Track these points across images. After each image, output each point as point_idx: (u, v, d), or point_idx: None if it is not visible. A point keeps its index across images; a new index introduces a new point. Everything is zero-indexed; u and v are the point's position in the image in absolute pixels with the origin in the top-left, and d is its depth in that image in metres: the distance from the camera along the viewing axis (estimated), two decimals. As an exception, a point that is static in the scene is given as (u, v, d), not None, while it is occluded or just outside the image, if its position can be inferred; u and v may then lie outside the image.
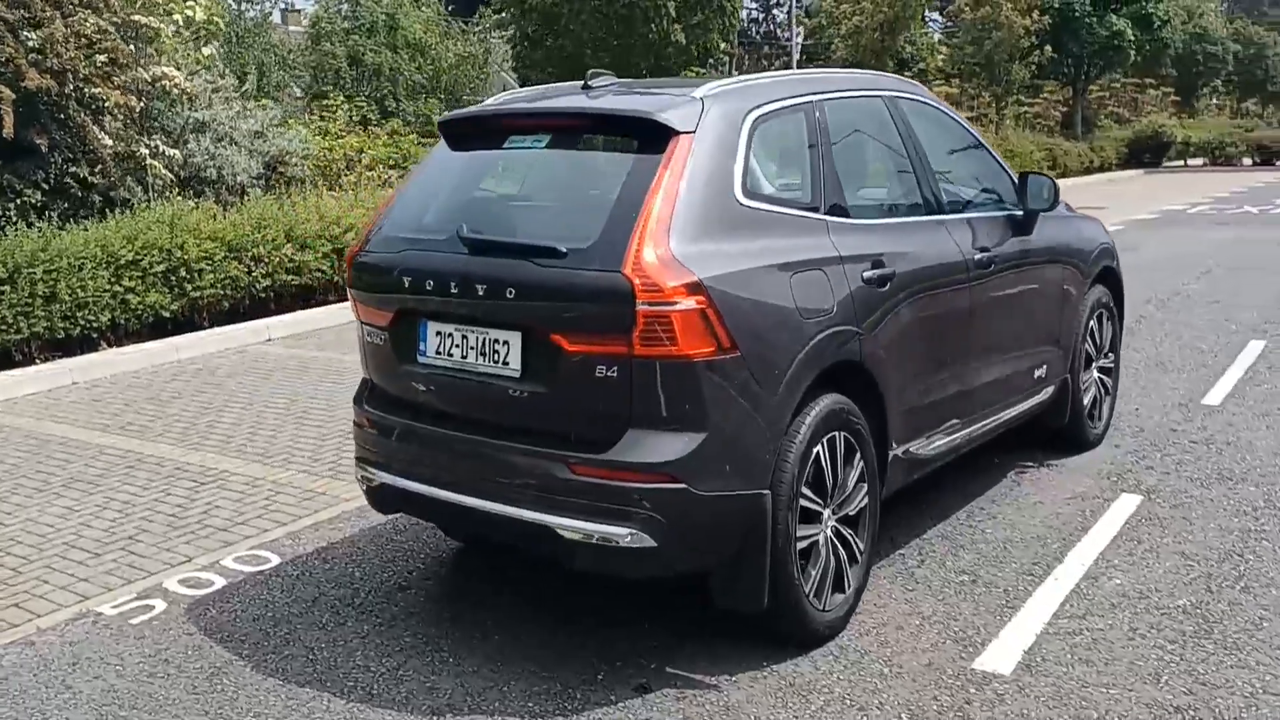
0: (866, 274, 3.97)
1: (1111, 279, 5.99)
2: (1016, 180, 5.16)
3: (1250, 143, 40.19)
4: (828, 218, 3.96)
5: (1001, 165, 5.26)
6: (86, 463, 6.31)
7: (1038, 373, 5.25)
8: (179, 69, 11.03)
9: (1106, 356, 6.02)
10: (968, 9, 30.01)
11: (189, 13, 11.37)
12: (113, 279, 9.04)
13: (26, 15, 9.68)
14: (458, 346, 3.75)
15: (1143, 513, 5.00)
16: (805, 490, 3.71)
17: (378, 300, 4.01)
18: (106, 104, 10.11)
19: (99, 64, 10.06)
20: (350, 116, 16.72)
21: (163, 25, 10.87)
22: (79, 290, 8.77)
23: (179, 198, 10.79)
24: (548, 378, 3.52)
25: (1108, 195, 22.86)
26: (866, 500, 4.00)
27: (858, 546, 3.99)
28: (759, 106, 3.87)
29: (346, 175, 13.28)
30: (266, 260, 10.27)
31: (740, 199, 3.65)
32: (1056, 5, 31.86)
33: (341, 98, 17.71)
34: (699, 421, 3.41)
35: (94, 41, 9.94)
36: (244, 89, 13.91)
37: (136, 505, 5.55)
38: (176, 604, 4.40)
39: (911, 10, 27.49)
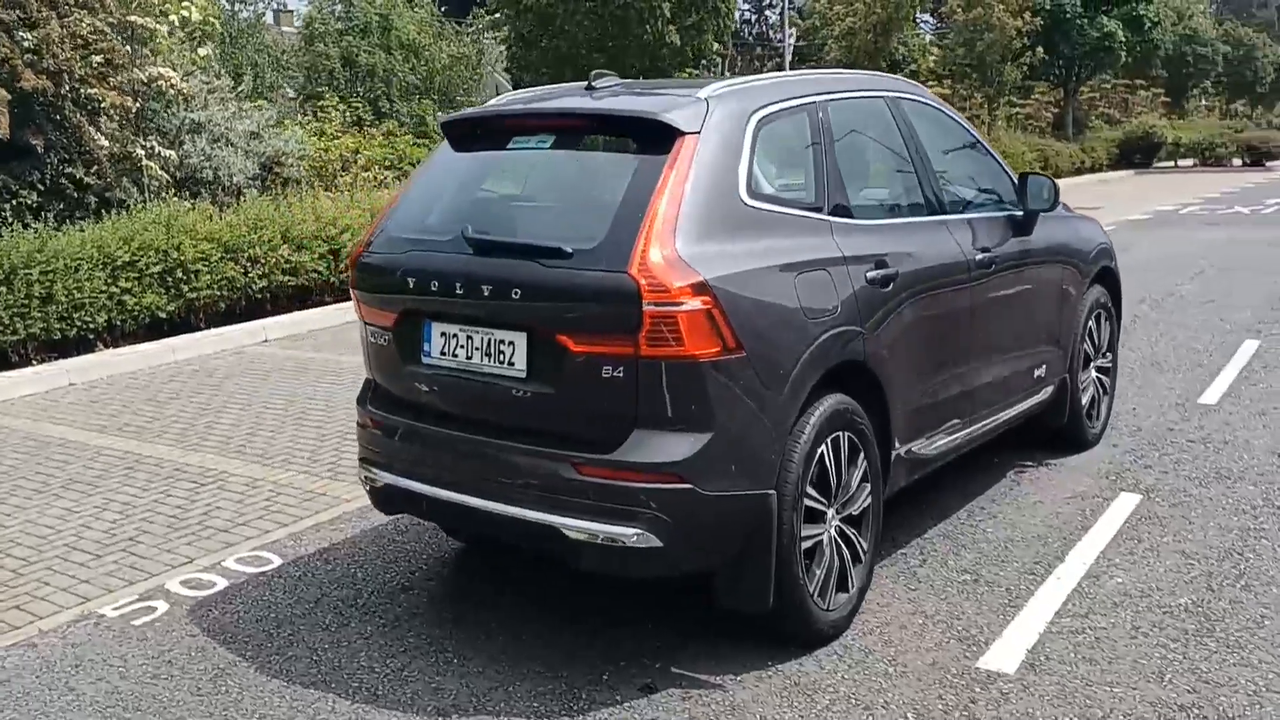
0: (870, 274, 3.98)
1: (1110, 279, 6.01)
2: (1016, 180, 5.18)
3: (1240, 143, 40.34)
4: (831, 218, 3.97)
5: (1001, 165, 5.28)
6: (85, 464, 6.30)
7: (1037, 372, 5.27)
8: (175, 70, 11.00)
9: (1105, 356, 6.05)
10: (960, 10, 30.08)
11: (185, 13, 11.35)
12: (109, 280, 9.03)
13: (22, 15, 9.66)
14: (462, 347, 3.75)
15: (1142, 512, 5.02)
16: (810, 490, 3.72)
17: (381, 301, 4.01)
18: (102, 105, 10.10)
19: (95, 64, 10.05)
20: (345, 117, 16.69)
21: (159, 26, 10.84)
22: (75, 291, 8.76)
23: (175, 199, 10.78)
24: (553, 378, 3.53)
25: (1099, 196, 22.92)
26: (870, 500, 4.01)
27: (861, 546, 4.00)
28: (763, 107, 3.88)
29: (342, 176, 13.28)
30: (263, 261, 10.27)
31: (745, 199, 3.66)
32: (1048, 7, 31.96)
33: (336, 99, 17.67)
34: (705, 422, 3.42)
35: (90, 42, 9.93)
36: (239, 89, 13.87)
37: (136, 506, 5.54)
38: (179, 605, 4.40)
39: (904, 11, 27.53)
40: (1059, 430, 5.74)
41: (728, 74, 30.17)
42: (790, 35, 32.76)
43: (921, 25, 37.74)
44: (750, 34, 46.87)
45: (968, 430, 4.72)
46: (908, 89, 4.96)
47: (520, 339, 3.59)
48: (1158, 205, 21.70)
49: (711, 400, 3.40)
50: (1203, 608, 4.06)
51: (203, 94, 11.74)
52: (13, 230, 8.96)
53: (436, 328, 3.82)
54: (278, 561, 4.79)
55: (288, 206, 11.10)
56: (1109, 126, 40.20)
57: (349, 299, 10.86)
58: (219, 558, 4.85)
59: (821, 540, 3.81)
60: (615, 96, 4.04)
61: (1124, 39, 33.86)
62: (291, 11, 38.64)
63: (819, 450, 3.72)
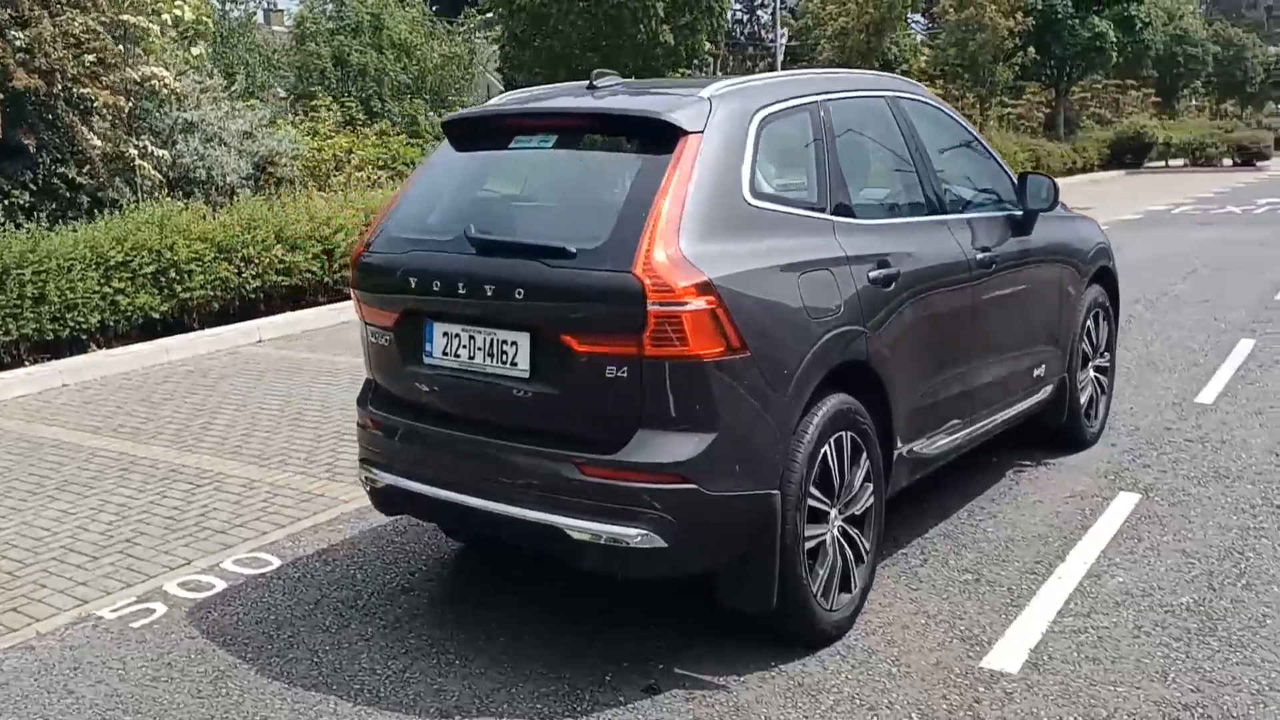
0: (872, 274, 3.98)
1: (1108, 279, 6.02)
2: (1016, 180, 5.18)
3: (1230, 143, 40.50)
4: (834, 218, 3.97)
5: (1001, 165, 5.28)
6: (80, 465, 6.27)
7: (1037, 372, 5.28)
8: (168, 69, 10.96)
9: (1103, 356, 6.05)
10: (952, 10, 30.14)
11: (177, 12, 11.30)
12: (102, 280, 8.98)
13: (14, 15, 9.62)
14: (465, 347, 3.73)
15: (1141, 511, 5.02)
16: (813, 490, 3.71)
17: (382, 301, 3.99)
18: (95, 104, 10.06)
19: (87, 64, 10.01)
20: (338, 117, 16.65)
21: (151, 25, 10.80)
22: (68, 292, 8.71)
23: (168, 198, 10.73)
24: (557, 378, 3.51)
25: (1091, 196, 22.96)
26: (872, 500, 4.01)
27: (864, 546, 3.99)
28: (766, 106, 3.87)
29: (336, 176, 13.24)
30: (256, 261, 10.23)
31: (748, 199, 3.65)
32: (1039, 7, 32.04)
33: (329, 98, 17.63)
34: (709, 422, 3.41)
35: (82, 41, 9.89)
36: (232, 89, 13.83)
37: (132, 508, 5.51)
38: (177, 607, 4.37)
39: (897, 11, 27.57)
40: (1057, 430, 5.75)
41: (719, 74, 30.18)
42: (782, 35, 32.79)
43: (912, 26, 37.81)
44: (742, 34, 46.91)
45: (969, 430, 4.72)
46: (908, 88, 4.96)
47: (523, 339, 3.58)
48: (1149, 205, 21.77)
49: (716, 400, 3.39)
50: (1204, 607, 4.06)
51: (195, 93, 11.70)
52: (5, 230, 8.90)
53: (438, 328, 3.80)
54: (276, 563, 4.77)
55: (281, 206, 11.06)
56: (1100, 126, 40.32)
57: (343, 299, 10.96)
58: (217, 559, 4.83)
59: (824, 540, 3.81)
60: (617, 96, 4.03)
61: (1115, 39, 33.98)
62: (282, 11, 38.58)
63: (822, 450, 3.72)
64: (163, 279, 9.47)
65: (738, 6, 46.05)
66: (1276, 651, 3.72)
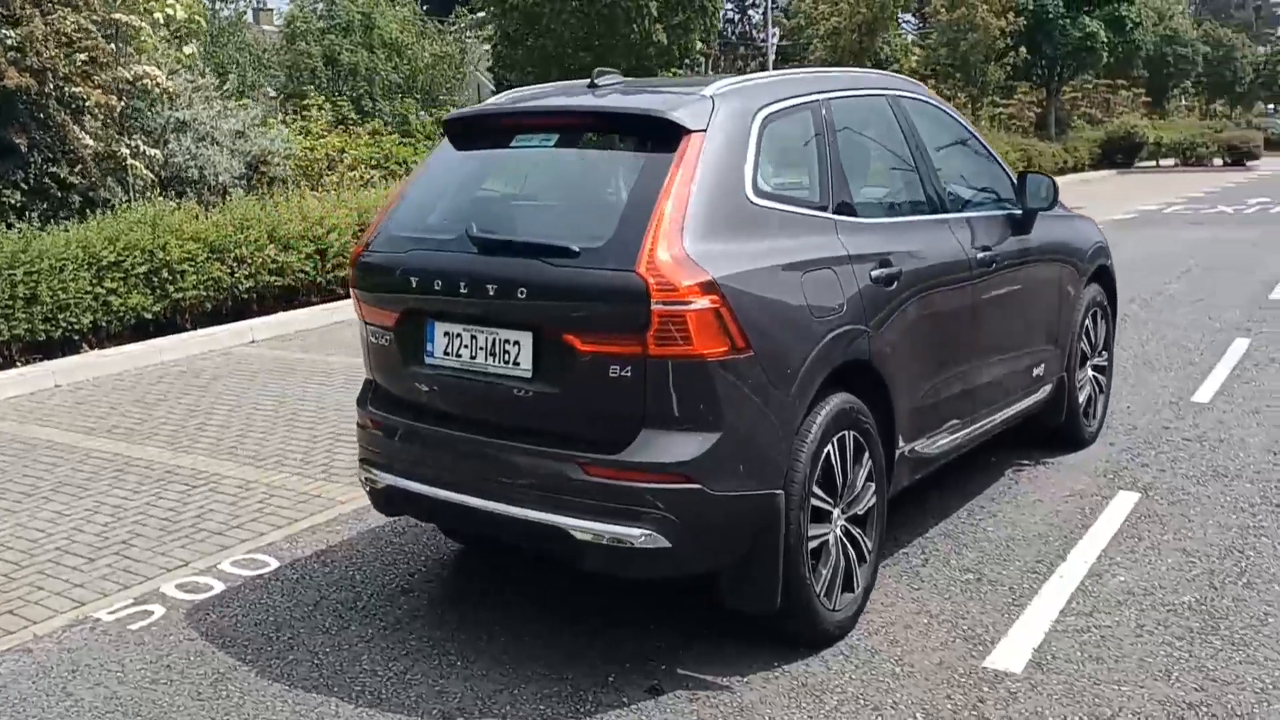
0: (874, 273, 3.97)
1: (1106, 278, 6.03)
2: (1015, 179, 5.18)
3: (1221, 143, 40.64)
4: (836, 216, 3.96)
5: (1000, 164, 5.28)
6: (74, 466, 6.23)
7: (1036, 371, 5.28)
8: (160, 68, 10.91)
9: (1101, 355, 6.06)
10: (944, 10, 30.18)
11: (169, 11, 11.25)
12: (94, 280, 8.94)
13: (5, 13, 9.56)
14: (466, 347, 3.71)
15: (1141, 510, 5.02)
16: (816, 490, 3.70)
17: (383, 300, 3.97)
18: (87, 103, 10.01)
19: (79, 63, 9.95)
20: (329, 116, 16.60)
21: (143, 24, 10.74)
22: (60, 292, 8.67)
23: (160, 198, 10.68)
24: (560, 378, 3.49)
25: (1083, 196, 23.00)
26: (875, 499, 4.00)
27: (866, 545, 3.98)
28: (768, 105, 3.86)
29: (328, 175, 13.20)
30: (249, 261, 10.19)
31: (751, 198, 3.64)
32: (1031, 7, 32.11)
33: (322, 98, 17.58)
34: (713, 421, 3.39)
35: (74, 40, 9.84)
36: (224, 88, 13.77)
37: (128, 509, 5.47)
38: (175, 609, 4.34)
39: (889, 11, 27.60)
40: (1056, 429, 5.75)
41: (711, 74, 30.14)
42: (773, 34, 32.80)
43: (903, 26, 37.87)
44: (733, 33, 46.92)
45: (969, 429, 4.71)
46: (908, 87, 4.96)
47: (526, 338, 3.56)
48: (1141, 205, 21.83)
49: (720, 400, 3.38)
50: (1206, 605, 4.06)
51: (187, 92, 11.64)
52: (-4, 230, 8.86)
53: (440, 327, 3.78)
54: (274, 564, 4.74)
55: (274, 206, 11.02)
56: (1091, 126, 40.42)
57: (336, 299, 10.92)
58: (214, 561, 4.80)
59: (827, 540, 3.80)
60: (618, 94, 4.01)
61: (1106, 39, 34.06)
62: (271, 10, 38.48)
63: (825, 450, 3.71)
64: (155, 279, 9.42)
65: (729, 6, 46.05)
66: (1279, 650, 3.71)
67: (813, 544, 3.71)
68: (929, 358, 4.33)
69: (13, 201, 9.70)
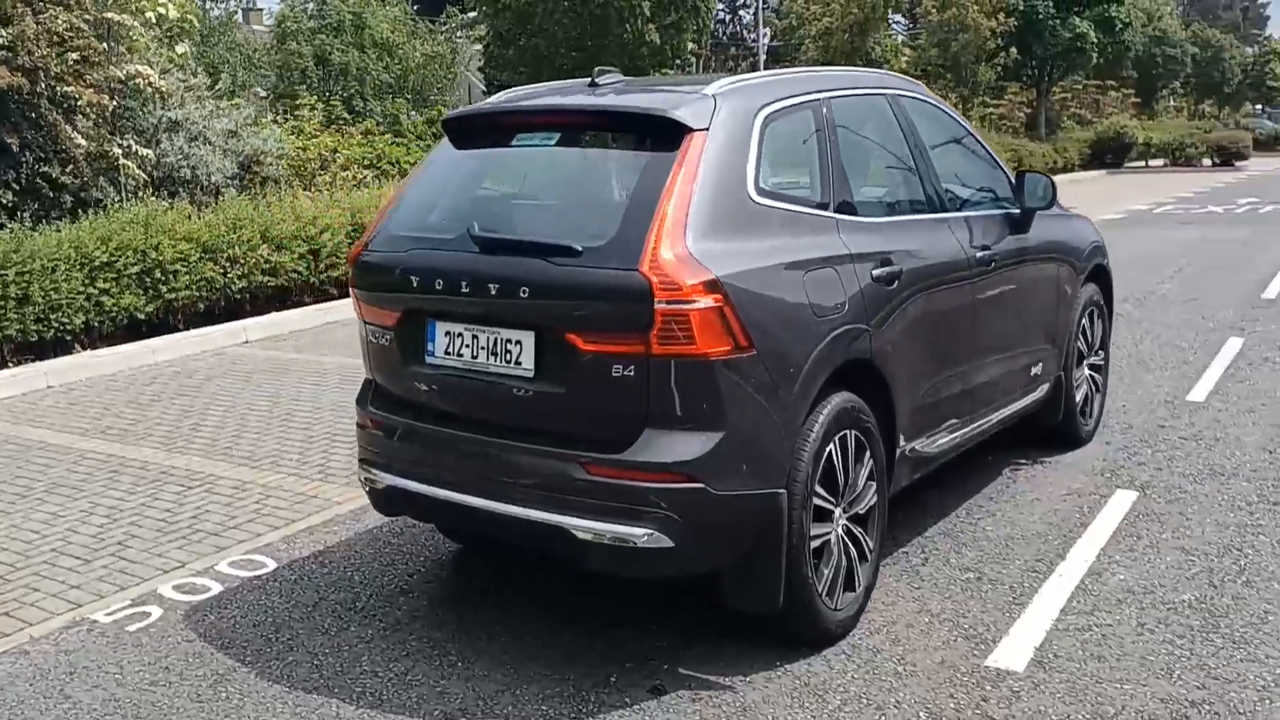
0: (875, 272, 3.97)
1: (1102, 277, 6.04)
2: (1013, 178, 5.18)
3: (1210, 144, 40.79)
4: (837, 215, 3.96)
5: (998, 163, 5.29)
6: (68, 467, 6.19)
7: (1034, 370, 5.28)
8: (152, 67, 10.86)
9: (1097, 354, 6.07)
10: (934, 10, 30.24)
11: (161, 10, 11.20)
12: (87, 281, 8.89)
13: (-4, 12, 9.52)
14: (468, 346, 3.70)
15: (1139, 509, 5.03)
16: (818, 489, 3.69)
17: (383, 300, 3.95)
18: (79, 103, 9.96)
19: (71, 62, 9.91)
20: (321, 116, 16.56)
21: (135, 23, 10.70)
22: (52, 292, 8.62)
23: (153, 198, 10.63)
24: (562, 377, 3.48)
25: (1073, 196, 23.00)
26: (876, 498, 4.00)
27: (867, 545, 3.98)
28: (770, 104, 3.85)
29: (321, 175, 13.16)
30: (242, 261, 10.15)
31: (753, 197, 3.63)
32: (1021, 8, 32.19)
33: (314, 98, 17.53)
34: (716, 421, 3.39)
35: (66, 39, 9.79)
36: (217, 87, 13.73)
37: (124, 510, 5.44)
38: (173, 610, 4.32)
39: (880, 12, 27.65)
40: (1053, 428, 5.76)
41: (703, 74, 30.13)
42: (764, 35, 32.83)
43: (893, 26, 37.94)
44: (724, 34, 46.94)
45: (969, 428, 4.72)
46: (907, 86, 4.96)
47: (528, 338, 3.55)
48: (1131, 205, 21.89)
49: (723, 399, 3.37)
50: (1206, 604, 4.06)
51: (180, 92, 11.60)
52: (-12, 230, 8.82)
53: (440, 327, 3.77)
54: (272, 565, 4.72)
55: (267, 206, 10.98)
56: (1081, 127, 40.53)
57: (329, 299, 10.89)
58: (211, 561, 4.77)
59: (829, 539, 3.79)
60: (620, 93, 4.00)
61: (1095, 40, 34.17)
62: (261, 10, 38.38)
63: (827, 449, 3.70)
64: (148, 279, 9.37)
65: (720, 6, 46.08)
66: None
67: (814, 543, 3.71)
68: (929, 357, 4.33)
69: (4, 201, 9.65)
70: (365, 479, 4.12)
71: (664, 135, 3.56)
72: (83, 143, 10.00)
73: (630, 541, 3.38)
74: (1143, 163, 39.59)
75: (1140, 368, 7.74)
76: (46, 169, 9.95)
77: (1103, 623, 3.94)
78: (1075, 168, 34.32)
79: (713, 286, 3.32)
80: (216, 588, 4.51)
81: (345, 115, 17.57)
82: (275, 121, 14.33)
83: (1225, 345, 8.32)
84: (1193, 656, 3.68)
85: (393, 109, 22.11)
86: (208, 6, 22.80)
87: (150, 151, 10.91)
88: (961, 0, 29.34)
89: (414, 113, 22.08)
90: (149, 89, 10.66)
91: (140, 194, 10.64)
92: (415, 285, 3.75)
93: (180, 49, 12.17)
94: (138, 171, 10.63)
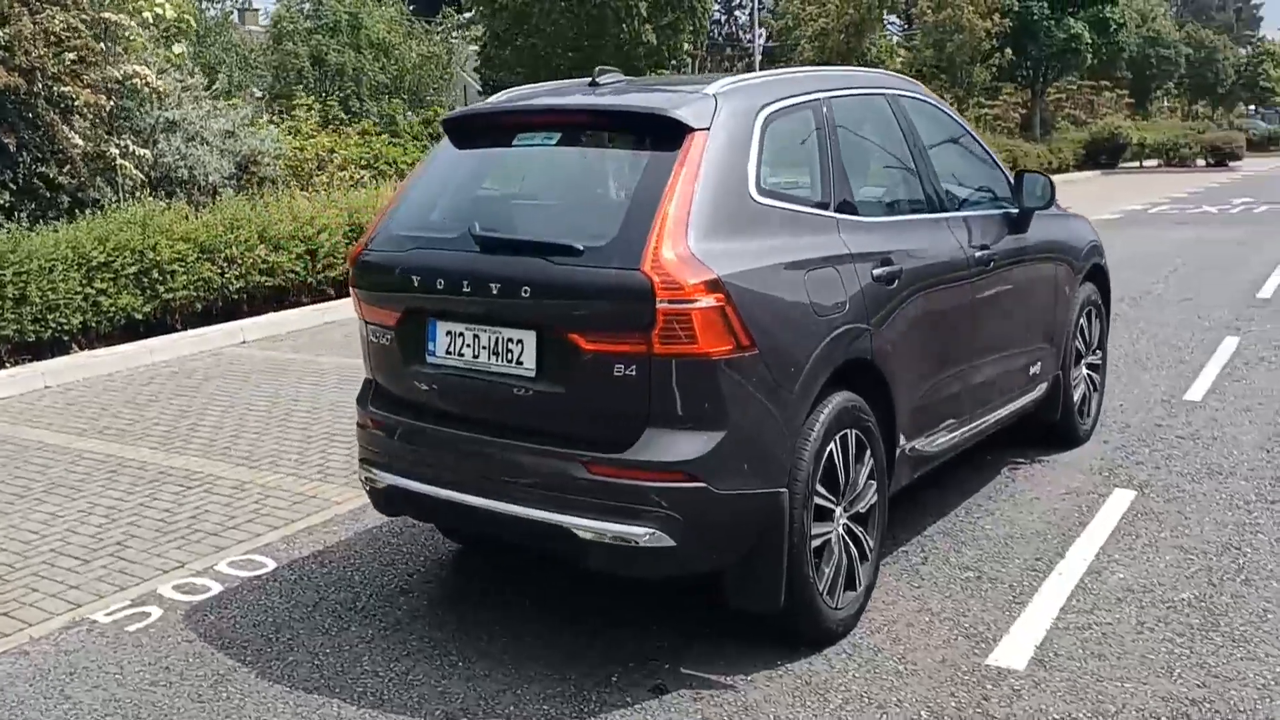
0: (875, 271, 3.97)
1: (1100, 276, 6.06)
2: (1012, 178, 5.19)
3: (1204, 144, 40.89)
4: (837, 215, 3.96)
5: (997, 163, 5.30)
6: (66, 468, 6.18)
7: (1033, 369, 5.29)
8: (149, 67, 10.85)
9: (1095, 353, 6.08)
10: (930, 11, 30.28)
11: (159, 10, 11.19)
12: (84, 281, 8.88)
13: (-8, 12, 9.50)
14: (469, 346, 3.70)
15: (1137, 507, 5.04)
16: (819, 488, 3.70)
17: (384, 299, 3.95)
18: (76, 103, 9.94)
19: (68, 62, 9.89)
20: (318, 116, 16.55)
21: (133, 23, 10.69)
22: (50, 292, 8.61)
23: (150, 198, 10.62)
24: (563, 377, 3.48)
25: (1068, 196, 22.96)
26: (876, 497, 4.00)
27: (868, 544, 3.99)
28: (771, 103, 3.86)
29: (318, 175, 13.15)
30: (240, 261, 10.14)
31: (754, 196, 3.64)
32: (1016, 8, 32.26)
33: (312, 98, 17.53)
34: (718, 420, 3.39)
35: (63, 39, 9.78)
36: (214, 88, 13.71)
37: (122, 510, 5.44)
38: (173, 610, 4.31)
39: (876, 13, 27.69)
40: (1051, 427, 5.77)
41: (702, 74, 30.14)
42: (760, 36, 32.84)
43: (888, 27, 38.00)
44: (719, 34, 46.95)
45: (968, 427, 4.73)
46: (907, 86, 4.96)
47: (529, 337, 3.55)
48: (1126, 205, 21.94)
49: (724, 398, 3.38)
50: (1205, 602, 4.07)
51: (177, 92, 11.58)
52: (-15, 230, 8.80)
53: (441, 326, 3.77)
54: (272, 565, 4.71)
55: (264, 206, 10.98)
56: (1075, 127, 40.63)
57: (327, 300, 10.89)
58: (211, 562, 4.77)
59: (830, 538, 3.79)
60: (620, 93, 4.01)
61: (1090, 41, 34.27)
62: (256, 10, 38.35)
63: (828, 448, 3.71)
64: (145, 279, 9.37)
65: (716, 7, 46.11)
66: (1279, 646, 3.73)
67: (815, 542, 3.71)
68: (929, 356, 4.34)
69: (1, 202, 9.63)
70: (366, 479, 4.12)
71: (665, 135, 3.57)
72: (80, 143, 9.99)
73: (632, 541, 3.39)
74: (1137, 163, 39.68)
75: (1137, 367, 7.76)
76: (44, 169, 9.94)
77: (1103, 621, 3.95)
78: (1070, 168, 34.38)
79: (715, 286, 3.32)
80: (216, 588, 4.51)
81: (342, 115, 17.55)
82: (272, 122, 14.32)
83: (1221, 345, 8.34)
84: (1193, 655, 3.69)
85: (389, 109, 22.12)
86: (204, 7, 22.78)
87: (147, 152, 10.91)
88: (957, 1, 29.36)
89: (410, 113, 22.09)
90: (146, 89, 10.64)
91: (137, 194, 10.63)
92: (416, 285, 3.75)
93: (177, 49, 12.16)
94: (135, 172, 10.62)
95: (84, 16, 10.09)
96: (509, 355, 3.60)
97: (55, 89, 9.83)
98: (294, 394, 7.76)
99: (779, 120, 3.87)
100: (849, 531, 3.90)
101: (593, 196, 3.88)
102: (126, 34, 10.76)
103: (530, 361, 3.55)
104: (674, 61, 26.43)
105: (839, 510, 3.83)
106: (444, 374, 3.79)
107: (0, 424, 7.21)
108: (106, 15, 10.41)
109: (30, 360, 8.54)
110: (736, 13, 48.91)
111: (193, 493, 5.67)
